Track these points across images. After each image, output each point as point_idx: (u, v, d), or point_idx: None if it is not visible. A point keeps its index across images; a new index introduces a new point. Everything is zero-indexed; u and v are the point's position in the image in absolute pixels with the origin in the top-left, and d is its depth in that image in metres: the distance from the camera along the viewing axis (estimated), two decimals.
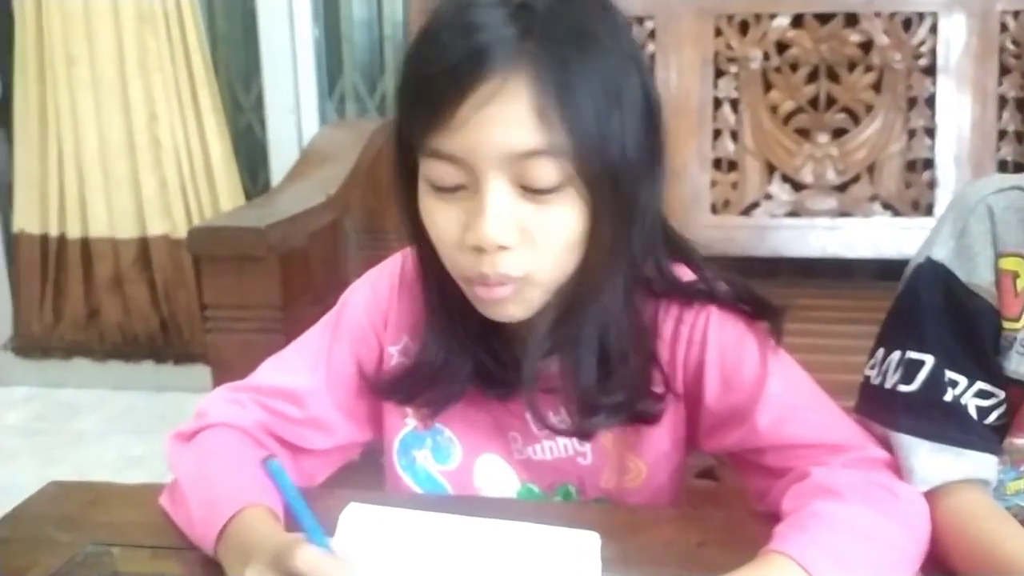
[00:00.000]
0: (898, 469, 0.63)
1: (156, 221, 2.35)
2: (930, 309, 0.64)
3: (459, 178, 0.60)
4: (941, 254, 0.65)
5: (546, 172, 0.59)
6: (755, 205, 1.88)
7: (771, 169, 1.88)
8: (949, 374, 0.63)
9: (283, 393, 0.74)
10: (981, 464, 0.63)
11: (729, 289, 0.70)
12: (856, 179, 1.85)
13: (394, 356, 0.76)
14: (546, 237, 0.61)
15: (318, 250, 1.52)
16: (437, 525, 0.67)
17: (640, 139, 0.62)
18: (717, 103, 1.88)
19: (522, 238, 0.61)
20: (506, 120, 0.57)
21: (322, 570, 0.51)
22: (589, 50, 0.59)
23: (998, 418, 0.64)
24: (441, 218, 0.62)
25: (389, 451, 0.78)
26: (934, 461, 0.62)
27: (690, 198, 1.87)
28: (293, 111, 2.30)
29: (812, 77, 1.85)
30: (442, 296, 0.69)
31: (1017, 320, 0.63)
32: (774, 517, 0.64)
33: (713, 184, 1.88)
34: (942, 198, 1.82)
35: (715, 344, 0.68)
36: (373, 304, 0.76)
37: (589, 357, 0.66)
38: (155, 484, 0.74)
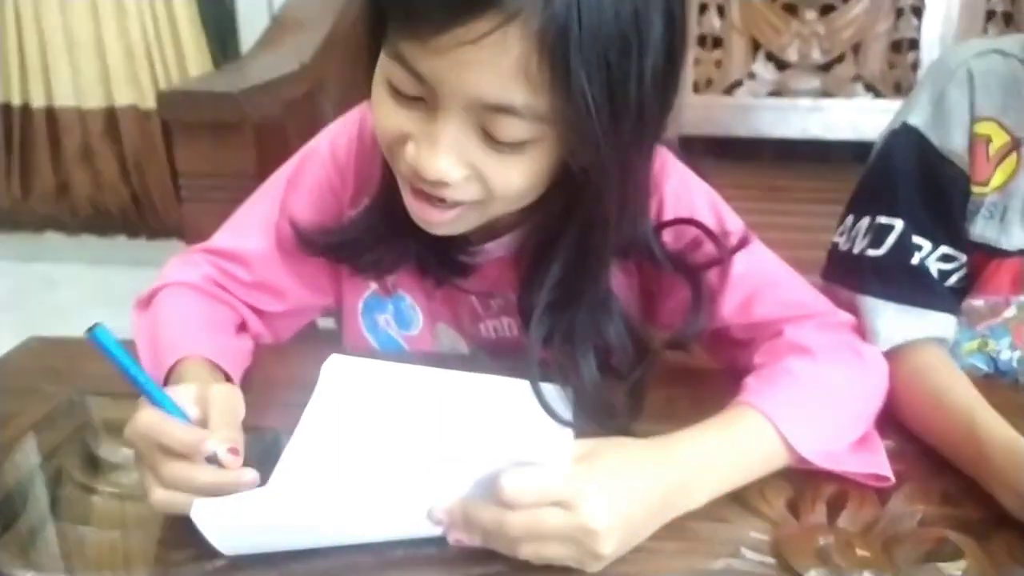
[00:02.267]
0: (862, 332, 0.66)
1: (123, 90, 2.27)
2: (902, 174, 0.65)
3: (419, 92, 0.54)
4: (917, 120, 0.65)
5: (514, 130, 0.53)
6: (738, 84, 1.85)
7: (756, 47, 1.84)
8: (916, 239, 0.64)
9: (234, 256, 0.73)
10: (942, 324, 0.65)
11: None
12: (840, 59, 1.83)
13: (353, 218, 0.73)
14: (501, 183, 0.56)
15: (293, 122, 1.49)
16: (419, 376, 0.69)
17: (649, 88, 0.52)
18: None
19: (472, 174, 0.56)
20: (488, 68, 0.50)
21: (159, 433, 0.50)
22: (604, 23, 0.49)
23: (958, 281, 0.66)
24: (389, 118, 0.57)
25: (352, 313, 0.79)
26: (898, 322, 0.64)
27: None
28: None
29: None
30: (390, 173, 0.64)
31: (986, 185, 0.64)
32: (742, 373, 0.67)
33: (696, 62, 1.85)
34: None
35: (671, 213, 0.67)
36: (331, 165, 0.73)
37: (554, 276, 0.63)
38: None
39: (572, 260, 0.62)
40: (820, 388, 0.60)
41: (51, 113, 2.32)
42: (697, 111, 1.86)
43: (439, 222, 0.60)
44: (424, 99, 0.55)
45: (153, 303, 0.72)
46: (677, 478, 0.52)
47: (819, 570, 0.51)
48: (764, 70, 1.86)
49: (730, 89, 1.86)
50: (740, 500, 0.57)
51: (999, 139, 0.63)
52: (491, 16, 0.48)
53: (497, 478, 0.48)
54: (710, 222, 0.66)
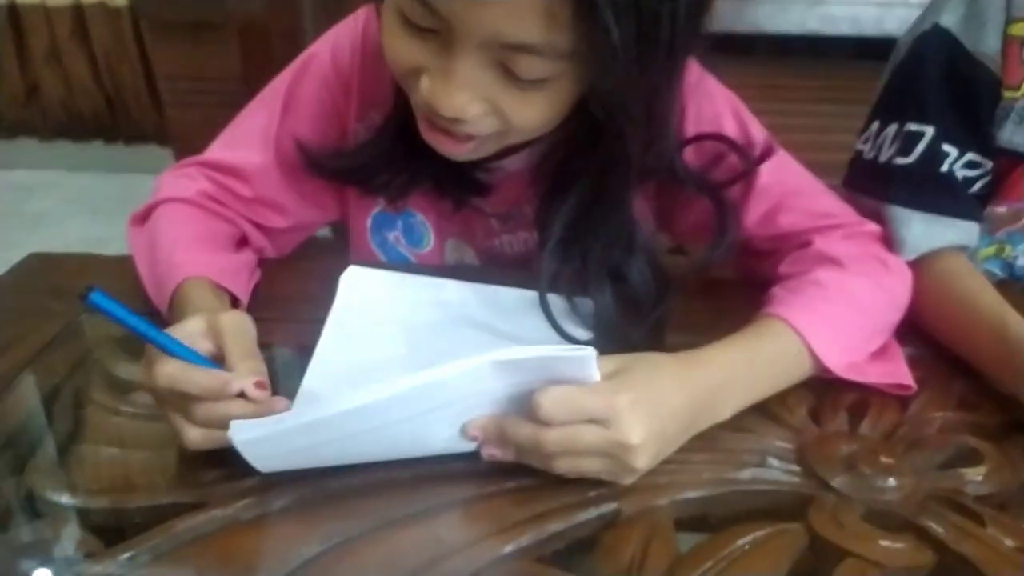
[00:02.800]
0: (888, 241, 0.65)
1: None
2: (933, 79, 0.63)
3: (433, 25, 0.51)
4: (949, 21, 0.63)
5: (534, 68, 0.51)
6: None
7: None
8: (945, 146, 0.63)
9: (232, 170, 0.71)
10: (967, 231, 0.65)
11: None
12: None
13: (360, 132, 0.71)
14: (520, 118, 0.54)
15: (277, 21, 1.42)
16: (439, 287, 0.68)
17: (682, 22, 0.50)
18: None
19: (490, 109, 0.54)
20: (507, 5, 0.47)
21: (181, 383, 0.48)
22: None
23: (981, 188, 0.66)
24: (401, 51, 0.54)
25: (360, 229, 0.77)
26: (925, 231, 0.63)
27: None
28: None
29: None
30: (402, 94, 0.60)
31: (1018, 89, 0.62)
32: (764, 282, 0.66)
33: None
34: None
35: (693, 124, 0.64)
36: (333, 77, 0.70)
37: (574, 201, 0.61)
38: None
39: (591, 192, 0.60)
40: (848, 300, 0.59)
41: (14, 11, 2.21)
42: None
43: (457, 153, 0.58)
44: (439, 32, 0.52)
45: (150, 221, 0.69)
46: (707, 392, 0.53)
47: (844, 477, 0.52)
48: None
49: None
50: (764, 410, 0.57)
51: None
52: None
53: (531, 395, 0.47)
54: (733, 133, 0.65)
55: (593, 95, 0.53)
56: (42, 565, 0.45)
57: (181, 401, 0.49)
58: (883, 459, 0.53)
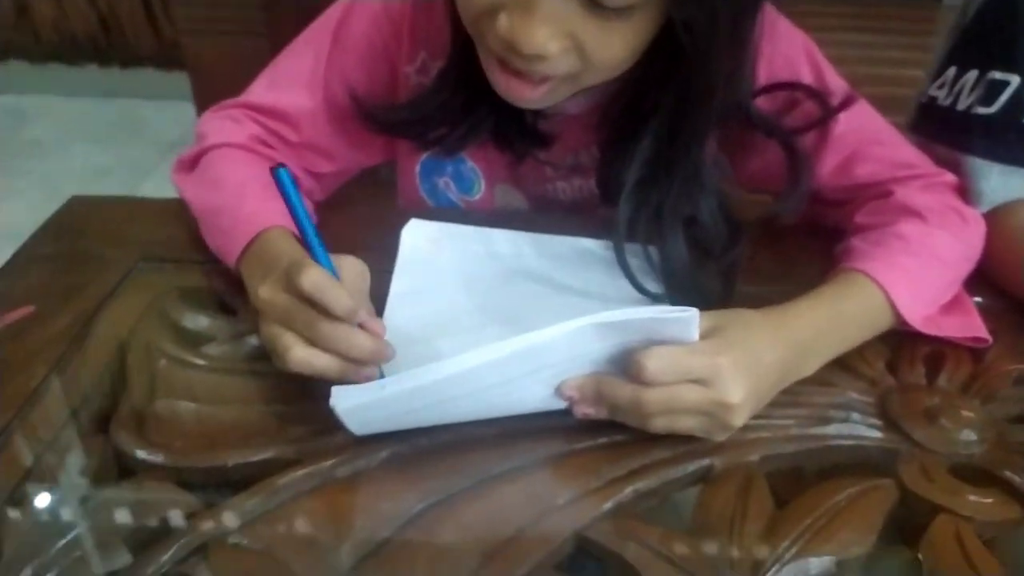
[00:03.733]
0: (964, 191, 0.64)
1: None
2: (1020, 25, 0.61)
3: None
4: None
5: None
6: None
7: None
8: None
9: (278, 114, 0.68)
10: None
11: None
12: None
13: (411, 76, 0.69)
14: (602, 54, 0.52)
15: None
16: (506, 239, 0.67)
17: None
18: None
19: (571, 45, 0.52)
20: None
21: (326, 291, 0.47)
22: None
23: None
24: None
25: (409, 174, 0.75)
26: (1004, 183, 0.63)
27: None
28: None
29: None
30: (463, 41, 0.58)
31: None
32: (836, 230, 0.65)
33: None
34: None
35: (766, 66, 0.62)
36: (384, 16, 0.67)
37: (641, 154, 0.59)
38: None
39: (666, 132, 0.58)
40: (930, 254, 0.59)
41: None
42: None
43: (530, 99, 0.56)
44: None
45: (202, 166, 0.67)
46: (797, 349, 0.52)
47: (927, 431, 0.53)
48: None
49: None
50: (842, 363, 0.57)
51: None
52: None
53: (628, 354, 0.47)
54: (809, 79, 0.63)
55: (679, 21, 0.51)
56: (144, 524, 0.45)
57: (307, 317, 0.48)
58: (964, 413, 0.54)
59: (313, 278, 0.47)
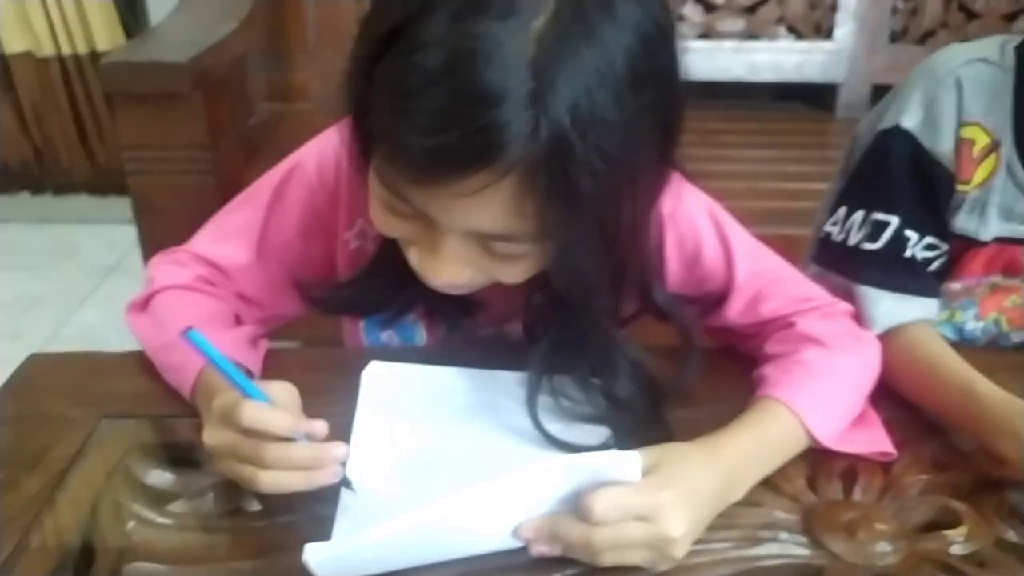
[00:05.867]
0: (858, 317, 0.72)
1: (15, 38, 2.09)
2: (898, 174, 0.71)
3: (416, 212, 0.55)
4: (910, 123, 0.70)
5: (513, 248, 0.55)
6: None
7: None
8: (908, 231, 0.71)
9: (218, 265, 0.73)
10: (929, 307, 0.73)
11: None
12: (764, 1, 1.88)
13: (350, 241, 0.73)
14: (507, 276, 0.59)
15: (234, 79, 1.43)
16: (463, 379, 0.71)
17: (651, 185, 0.56)
18: None
19: (477, 272, 0.58)
20: (483, 211, 0.52)
21: (265, 421, 0.53)
22: (602, 137, 0.49)
23: (939, 266, 0.74)
24: (387, 226, 0.58)
25: (353, 329, 0.80)
26: (893, 308, 0.71)
27: None
28: None
29: None
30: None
31: (968, 183, 0.70)
32: (750, 356, 0.72)
33: None
34: (842, 21, 1.88)
35: (672, 229, 0.68)
36: (319, 185, 0.71)
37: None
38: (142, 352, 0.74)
39: (566, 327, 0.64)
40: (833, 376, 0.66)
41: None
42: None
43: (452, 288, 0.61)
44: (421, 217, 0.55)
45: (152, 308, 0.71)
46: (728, 477, 0.58)
47: (846, 545, 0.58)
48: (693, 12, 1.89)
49: None
50: (768, 483, 0.63)
51: (982, 141, 0.69)
52: (485, 175, 0.49)
53: (578, 494, 0.52)
54: (710, 231, 0.69)
55: (556, 273, 0.58)
56: None
57: (254, 447, 0.53)
58: (878, 526, 0.60)
59: (250, 413, 0.53)
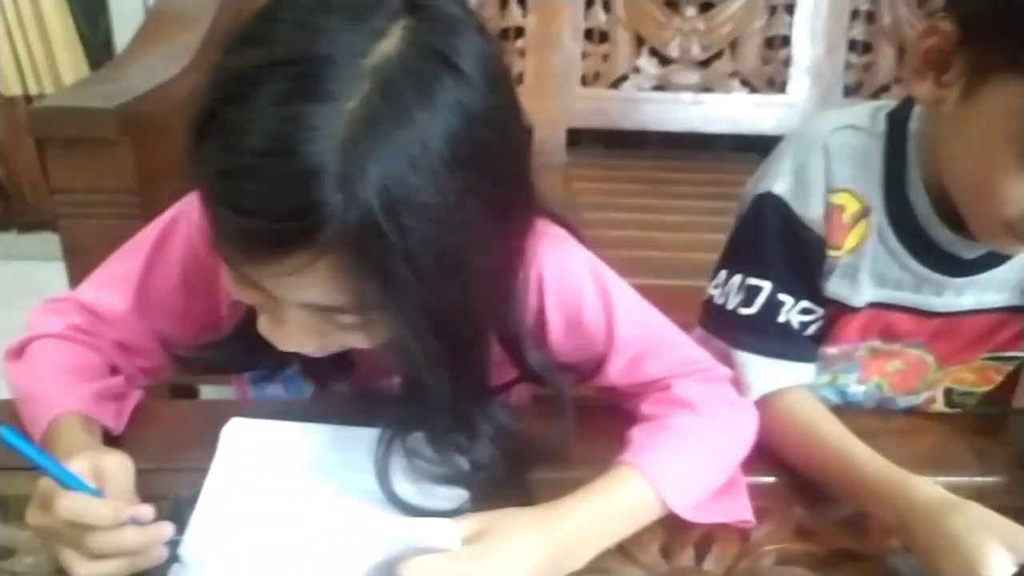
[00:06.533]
0: (736, 381, 0.71)
1: None
2: (769, 239, 0.71)
3: (255, 283, 0.54)
4: (781, 188, 0.71)
5: (348, 319, 0.55)
6: (624, 78, 1.90)
7: (640, 42, 1.89)
8: (781, 296, 0.71)
9: (97, 312, 0.72)
10: (805, 372, 0.72)
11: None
12: (719, 55, 1.90)
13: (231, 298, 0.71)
14: (354, 342, 0.58)
15: (177, 124, 1.44)
16: (320, 437, 0.71)
17: (483, 235, 0.54)
18: None
19: (324, 339, 0.58)
20: (308, 287, 0.52)
21: (83, 514, 0.52)
22: (417, 219, 0.49)
23: (816, 330, 0.73)
24: (236, 291, 0.58)
25: (239, 382, 0.80)
26: (769, 374, 0.70)
27: (562, 69, 1.88)
28: None
29: None
30: None
31: (840, 248, 0.70)
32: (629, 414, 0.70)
33: (584, 56, 1.89)
34: (796, 75, 1.91)
35: (554, 288, 0.67)
36: (200, 240, 0.69)
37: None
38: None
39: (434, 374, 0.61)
40: (699, 444, 0.65)
41: None
42: (586, 103, 1.90)
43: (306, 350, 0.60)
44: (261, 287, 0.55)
45: (24, 356, 0.71)
46: (566, 544, 0.57)
47: None
48: (649, 64, 1.92)
49: (616, 83, 1.91)
50: (620, 549, 0.62)
51: (852, 207, 0.70)
52: (301, 255, 0.49)
53: (395, 564, 0.51)
54: (592, 291, 0.68)
55: (388, 349, 0.57)
56: None
57: (76, 534, 0.52)
58: None
59: (66, 506, 0.52)
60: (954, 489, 0.70)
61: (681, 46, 1.89)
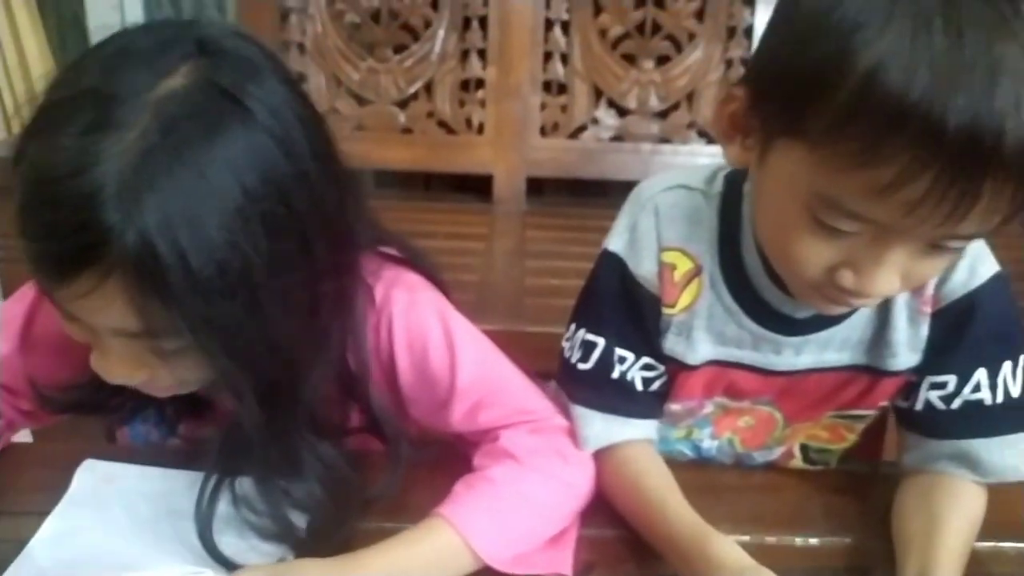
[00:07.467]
0: (573, 434, 0.72)
1: None
2: (606, 295, 0.72)
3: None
4: (617, 246, 0.72)
5: (161, 344, 0.56)
6: (582, 129, 1.94)
7: (598, 94, 1.93)
8: (619, 351, 0.71)
9: None
10: (643, 428, 0.73)
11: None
12: (676, 106, 1.93)
13: None
14: (181, 374, 0.60)
15: None
16: (169, 478, 0.72)
17: (278, 272, 0.55)
18: (549, 24, 1.90)
19: (152, 372, 0.59)
20: (103, 311, 0.54)
21: None
22: (199, 252, 0.51)
23: (661, 386, 0.74)
24: (65, 327, 0.59)
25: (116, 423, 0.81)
26: (604, 429, 0.71)
27: (521, 120, 1.92)
28: (116, 8, 2.16)
29: (640, 2, 1.88)
30: None
31: (674, 306, 0.71)
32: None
33: (543, 107, 1.93)
34: None
35: (402, 331, 0.69)
36: None
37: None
38: None
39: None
40: (517, 495, 0.66)
41: None
42: (545, 154, 1.94)
43: (159, 393, 0.63)
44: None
45: None
46: None
47: None
48: (607, 115, 1.95)
49: (575, 133, 1.94)
50: None
51: (683, 265, 0.70)
52: (89, 274, 0.52)
53: None
54: (438, 336, 0.69)
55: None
56: None
57: None
58: None
59: None
60: (798, 548, 0.70)
61: (639, 97, 1.92)
